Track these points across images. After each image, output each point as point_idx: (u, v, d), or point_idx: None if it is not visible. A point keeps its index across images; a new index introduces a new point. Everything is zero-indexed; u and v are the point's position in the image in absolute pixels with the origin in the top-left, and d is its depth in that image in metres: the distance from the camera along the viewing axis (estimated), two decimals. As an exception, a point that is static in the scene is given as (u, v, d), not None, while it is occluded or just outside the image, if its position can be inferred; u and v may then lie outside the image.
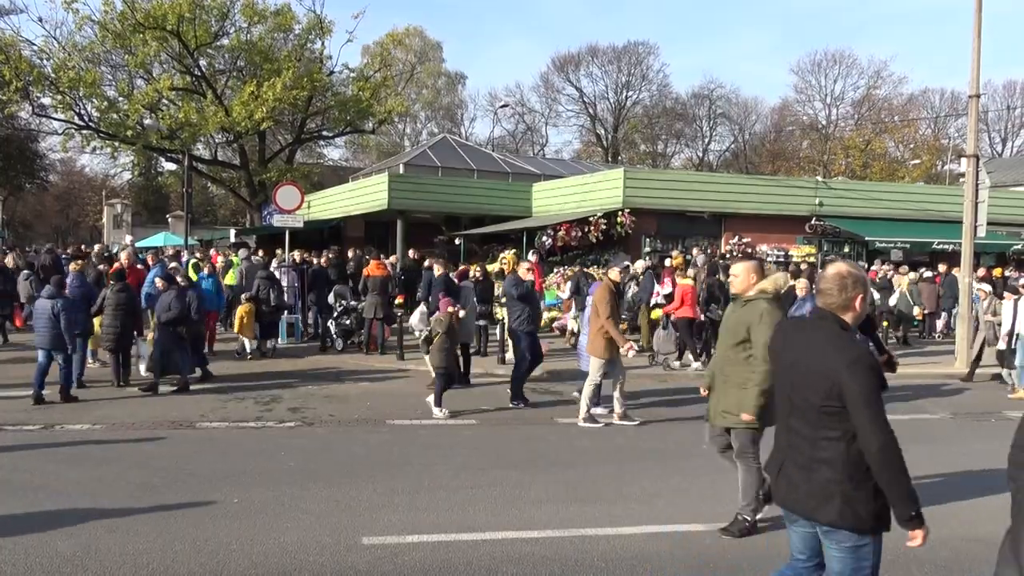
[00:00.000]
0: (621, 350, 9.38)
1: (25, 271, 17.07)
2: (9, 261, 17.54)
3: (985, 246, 21.75)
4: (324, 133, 39.87)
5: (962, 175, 19.03)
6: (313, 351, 14.73)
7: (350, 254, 19.87)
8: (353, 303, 14.94)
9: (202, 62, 33.62)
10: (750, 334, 5.53)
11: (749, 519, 5.70)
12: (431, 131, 64.47)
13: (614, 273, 10.01)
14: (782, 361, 3.52)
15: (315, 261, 17.12)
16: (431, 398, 9.99)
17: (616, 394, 9.58)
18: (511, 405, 10.45)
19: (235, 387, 11.41)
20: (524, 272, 11.52)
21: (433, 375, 10.18)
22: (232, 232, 35.67)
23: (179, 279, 11.87)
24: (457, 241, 25.08)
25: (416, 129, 67.34)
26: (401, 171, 31.09)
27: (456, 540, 5.45)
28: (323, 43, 34.86)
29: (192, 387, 11.17)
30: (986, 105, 53.68)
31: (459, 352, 11.95)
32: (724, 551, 5.39)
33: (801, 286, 11.75)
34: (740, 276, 5.80)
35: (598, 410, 9.78)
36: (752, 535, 5.64)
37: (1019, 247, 23.95)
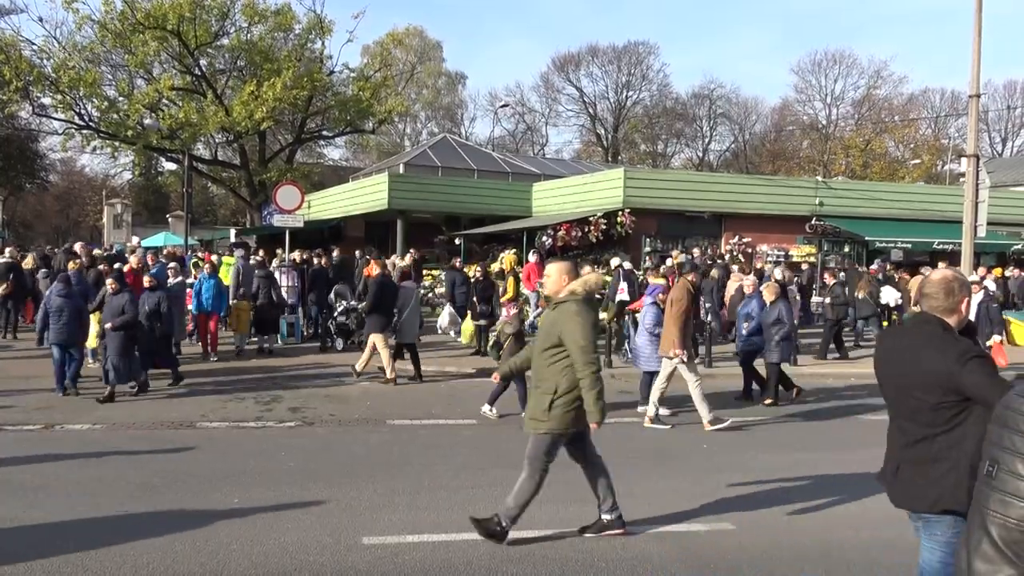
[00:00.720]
0: (672, 353, 9.37)
1: (43, 270, 17.10)
2: (28, 262, 17.63)
3: (985, 246, 21.74)
4: (324, 133, 39.89)
5: (962, 175, 19.05)
6: (313, 351, 14.72)
7: (357, 254, 19.95)
8: (353, 303, 14.94)
9: (202, 62, 33.64)
10: (561, 338, 5.21)
11: (505, 525, 5.41)
12: (431, 131, 64.47)
13: (690, 275, 10.05)
14: (886, 368, 3.60)
15: (315, 261, 17.12)
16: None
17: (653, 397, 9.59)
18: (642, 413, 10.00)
19: (235, 387, 11.41)
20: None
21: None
22: (232, 232, 35.66)
23: (146, 280, 11.69)
24: (457, 241, 25.09)
25: (416, 129, 67.37)
26: (401, 171, 31.11)
27: (456, 540, 5.45)
28: (323, 43, 34.92)
29: (176, 387, 11.18)
30: (986, 105, 53.65)
31: (404, 352, 12.34)
32: (724, 552, 5.38)
33: (749, 284, 11.72)
34: (552, 277, 5.49)
35: (664, 411, 9.72)
36: (501, 541, 5.38)
37: (1019, 247, 23.94)
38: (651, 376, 9.99)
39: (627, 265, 16.89)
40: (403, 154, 43.22)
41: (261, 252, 18.60)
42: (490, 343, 10.32)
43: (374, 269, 14.84)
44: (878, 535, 5.75)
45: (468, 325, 15.48)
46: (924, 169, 57.09)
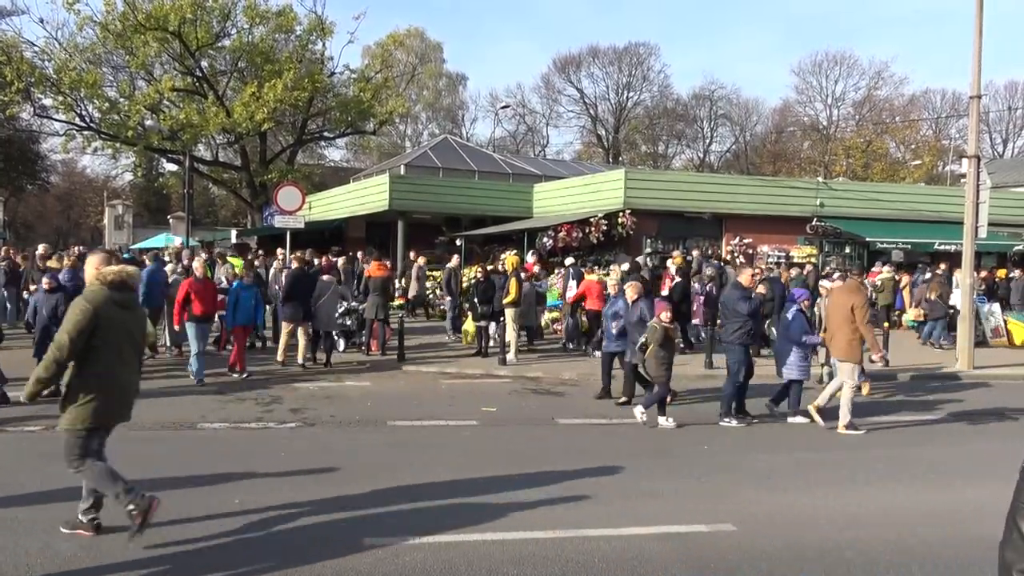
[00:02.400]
0: (875, 357, 9.64)
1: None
2: (53, 262, 17.77)
3: (986, 247, 21.72)
4: (325, 134, 39.93)
5: (963, 176, 19.00)
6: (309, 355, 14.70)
7: (360, 255, 20.01)
8: (354, 304, 14.94)
9: (203, 63, 33.65)
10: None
11: (83, 519, 5.42)
12: (432, 132, 64.52)
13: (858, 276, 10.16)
14: None
15: (315, 262, 17.12)
16: (638, 409, 9.62)
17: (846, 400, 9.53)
18: (723, 423, 9.75)
19: (235, 388, 11.42)
20: (748, 279, 10.64)
21: (653, 385, 9.76)
22: (233, 233, 35.70)
23: (45, 282, 11.70)
24: (458, 242, 25.10)
25: (417, 130, 67.43)
26: (402, 172, 31.11)
27: (457, 541, 5.45)
28: (324, 44, 34.89)
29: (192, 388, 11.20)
30: (987, 106, 53.66)
31: (320, 339, 13.39)
32: (724, 553, 5.38)
33: (611, 283, 11.63)
34: (87, 268, 5.45)
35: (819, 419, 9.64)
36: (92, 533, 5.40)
37: (1020, 248, 23.93)
38: (798, 384, 9.99)
39: (568, 261, 17.24)
40: (404, 155, 43.25)
41: (261, 253, 18.64)
42: (638, 344, 10.02)
43: (375, 270, 14.84)
44: (878, 535, 5.76)
45: (469, 326, 15.48)
46: (925, 170, 57.06)
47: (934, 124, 60.86)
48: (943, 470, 7.72)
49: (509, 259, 16.65)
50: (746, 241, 23.10)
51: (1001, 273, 21.25)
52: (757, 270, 11.51)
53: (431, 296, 20.86)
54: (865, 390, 11.36)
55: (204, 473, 7.06)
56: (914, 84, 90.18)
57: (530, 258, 18.37)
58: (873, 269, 19.72)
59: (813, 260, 22.36)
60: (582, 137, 69.83)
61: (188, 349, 12.26)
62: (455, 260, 18.20)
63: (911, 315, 19.11)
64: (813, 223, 23.38)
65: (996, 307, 18.55)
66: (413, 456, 7.86)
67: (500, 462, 7.65)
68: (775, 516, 6.15)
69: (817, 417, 9.70)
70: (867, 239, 22.67)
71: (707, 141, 68.34)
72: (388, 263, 17.38)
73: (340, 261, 17.83)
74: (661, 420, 9.54)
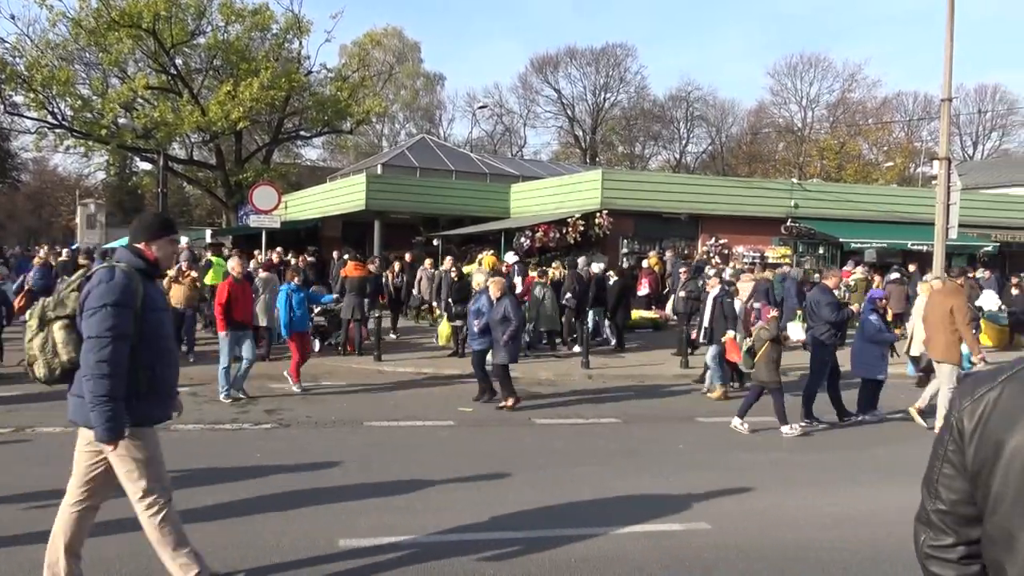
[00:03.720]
0: (975, 358, 9.61)
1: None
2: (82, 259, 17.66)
3: (956, 248, 22.05)
4: (302, 133, 39.67)
5: (934, 177, 19.28)
6: (289, 352, 14.61)
7: (335, 255, 19.93)
8: (330, 303, 14.88)
9: (178, 61, 33.30)
10: None
11: None
12: (409, 132, 64.34)
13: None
14: None
15: (291, 261, 17.05)
16: (735, 421, 9.37)
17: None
18: (802, 424, 9.55)
19: (210, 389, 11.31)
20: (835, 282, 10.56)
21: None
22: (208, 232, 35.36)
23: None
24: (436, 242, 25.06)
25: (394, 130, 67.23)
26: (379, 171, 31.03)
27: (434, 541, 5.45)
28: (301, 43, 34.67)
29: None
30: (958, 109, 54.43)
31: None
32: (699, 551, 5.42)
33: (476, 281, 11.45)
34: None
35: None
36: None
37: (989, 249, 24.31)
38: (874, 384, 10.18)
39: (511, 258, 17.56)
40: (381, 155, 43.10)
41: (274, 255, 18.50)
42: (744, 348, 9.78)
43: (352, 270, 14.78)
44: (853, 535, 5.82)
45: (444, 326, 15.46)
46: (897, 171, 57.79)
47: (906, 126, 61.67)
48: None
49: (486, 259, 16.68)
50: (722, 241, 23.28)
51: (973, 274, 21.54)
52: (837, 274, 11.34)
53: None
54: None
55: (177, 474, 6.99)
56: (887, 87, 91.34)
57: (509, 258, 18.38)
58: (845, 269, 19.92)
59: (787, 260, 22.59)
60: (559, 137, 70.04)
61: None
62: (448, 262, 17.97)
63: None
64: (788, 224, 23.61)
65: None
66: (389, 457, 7.84)
67: (476, 462, 7.66)
68: (750, 515, 6.20)
69: (919, 419, 9.92)
70: (841, 239, 22.94)
71: (683, 142, 68.77)
72: (375, 261, 17.22)
73: (294, 261, 17.78)
74: (786, 429, 9.16)
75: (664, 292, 19.92)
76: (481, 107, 59.20)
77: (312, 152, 61.42)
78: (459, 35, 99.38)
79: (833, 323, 9.74)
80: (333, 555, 5.20)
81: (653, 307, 19.42)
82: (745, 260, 22.44)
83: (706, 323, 11.85)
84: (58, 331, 4.06)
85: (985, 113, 63.61)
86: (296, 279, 11.95)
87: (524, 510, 6.15)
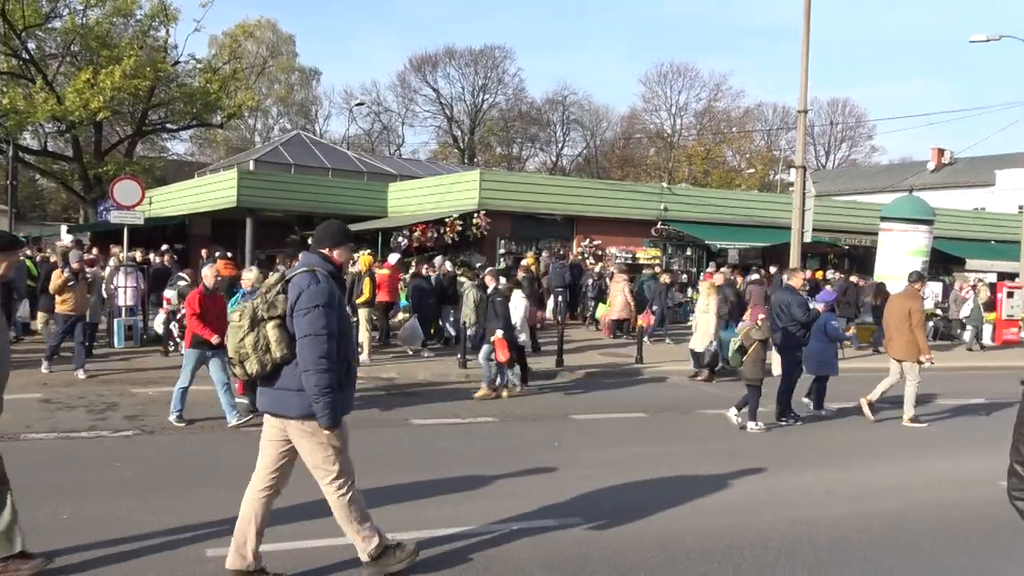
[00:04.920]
0: (923, 357, 10.31)
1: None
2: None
3: (810, 250, 23.49)
4: (168, 126, 38.01)
5: (791, 184, 20.45)
6: (154, 354, 13.98)
7: (204, 254, 19.16)
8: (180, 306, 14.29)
9: (31, 45, 31.22)
10: None
11: None
12: (283, 127, 62.68)
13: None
14: None
15: (156, 260, 16.30)
16: (731, 412, 9.90)
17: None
18: (780, 423, 10.14)
19: (65, 395, 10.67)
20: (799, 282, 10.94)
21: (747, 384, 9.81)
22: (64, 228, 33.34)
23: None
24: (310, 241, 24.55)
25: (267, 125, 65.33)
26: (252, 168, 30.13)
27: (312, 547, 5.34)
28: (168, 31, 33.22)
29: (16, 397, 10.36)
30: (812, 121, 57.97)
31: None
32: (572, 546, 5.55)
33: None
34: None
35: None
36: None
37: (841, 247, 26.04)
38: (823, 381, 10.80)
39: (393, 258, 17.35)
40: (253, 150, 41.79)
41: (95, 250, 17.51)
42: (733, 348, 10.01)
43: (224, 269, 14.26)
44: (714, 523, 6.12)
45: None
46: (758, 178, 61.02)
47: (766, 135, 65.22)
48: (778, 458, 8.27)
49: (363, 259, 16.46)
50: (596, 242, 23.91)
51: (819, 275, 22.98)
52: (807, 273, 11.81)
53: None
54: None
55: (29, 485, 6.56)
56: (749, 97, 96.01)
57: (391, 259, 18.16)
58: (708, 270, 20.86)
59: (657, 262, 23.43)
60: (438, 137, 69.89)
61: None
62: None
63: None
64: (658, 226, 24.52)
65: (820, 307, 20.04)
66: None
67: (355, 465, 7.56)
68: (622, 509, 6.40)
69: (868, 412, 10.54)
70: (707, 241, 24.02)
71: (559, 145, 70.06)
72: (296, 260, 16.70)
73: (157, 260, 17.04)
74: (752, 426, 9.65)
75: (540, 292, 20.25)
76: (358, 104, 58.31)
77: (179, 146, 58.84)
78: (335, 30, 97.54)
79: (804, 323, 10.18)
80: (200, 566, 5.03)
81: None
82: (618, 260, 23.12)
83: (464, 319, 12.74)
84: (271, 330, 4.46)
85: (836, 125, 68.08)
86: (257, 283, 11.23)
87: (403, 511, 6.12)
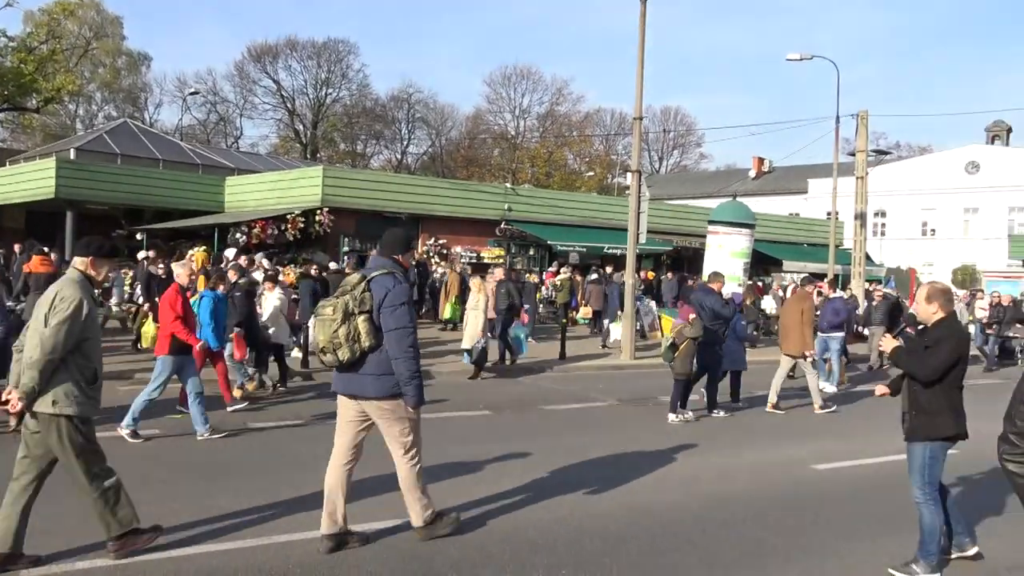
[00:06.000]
0: (808, 351, 11.71)
1: None
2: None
3: (645, 251, 24.64)
4: (-27, 108, 34.72)
5: (628, 188, 21.36)
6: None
7: (16, 248, 17.66)
8: (10, 303, 13.19)
9: None
10: None
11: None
12: (109, 115, 58.70)
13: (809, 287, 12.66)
14: None
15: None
16: (671, 415, 10.43)
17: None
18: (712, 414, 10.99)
19: None
20: (718, 285, 11.43)
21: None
22: None
23: None
24: (139, 236, 23.17)
25: (90, 111, 60.96)
26: (72, 156, 28.10)
27: (135, 561, 5.08)
28: (-28, 4, 30.35)
29: None
30: (647, 127, 60.79)
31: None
32: (425, 545, 5.60)
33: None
34: None
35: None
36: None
37: (676, 245, 27.47)
38: (737, 376, 11.72)
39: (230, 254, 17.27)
40: (75, 138, 38.87)
41: None
42: (665, 345, 10.41)
43: (38, 266, 13.25)
44: (556, 515, 6.34)
45: (150, 327, 14.36)
46: (597, 181, 63.32)
47: (604, 140, 67.75)
48: (603, 451, 8.64)
49: (198, 255, 15.80)
50: (441, 241, 24.02)
51: (650, 275, 24.17)
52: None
53: None
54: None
55: None
56: (589, 103, 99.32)
57: (229, 253, 17.49)
58: (550, 270, 21.46)
59: (501, 261, 23.84)
60: (279, 131, 67.70)
61: None
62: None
63: (583, 312, 21.16)
64: (502, 226, 24.94)
65: (653, 304, 21.11)
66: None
67: (193, 472, 7.28)
68: (466, 506, 6.51)
69: (776, 411, 11.40)
70: (549, 242, 24.68)
71: (405, 143, 69.72)
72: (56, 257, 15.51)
73: None
74: (673, 417, 10.41)
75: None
76: (193, 93, 55.46)
77: (-13, 131, 53.81)
78: (166, 13, 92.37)
79: (727, 317, 11.00)
80: (18, 583, 4.69)
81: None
82: (463, 260, 23.34)
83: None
84: (362, 323, 5.14)
85: (669, 132, 71.72)
86: (223, 286, 10.59)
87: (246, 518, 5.95)
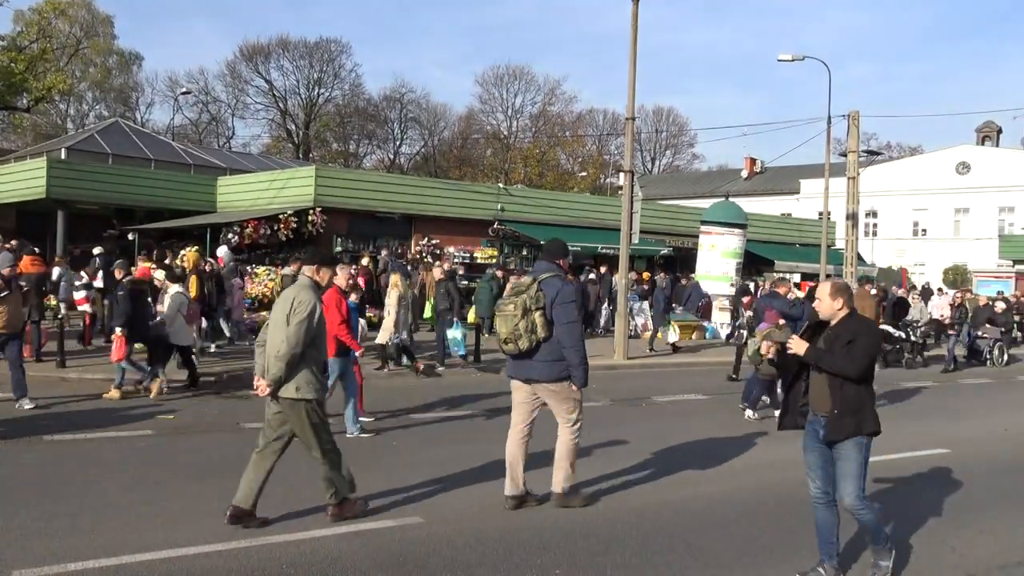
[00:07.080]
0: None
1: None
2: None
3: (638, 251, 24.64)
4: (-37, 107, 34.52)
5: (620, 188, 21.37)
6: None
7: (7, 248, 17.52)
8: None
9: None
10: None
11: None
12: (100, 114, 58.40)
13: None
14: None
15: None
16: (748, 412, 10.93)
17: None
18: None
19: None
20: (785, 289, 11.63)
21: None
22: None
23: None
24: (131, 236, 23.07)
25: (82, 111, 60.65)
26: (63, 156, 27.97)
27: (128, 563, 5.05)
28: (-39, 3, 30.18)
29: None
30: (640, 127, 60.89)
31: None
32: (412, 546, 5.57)
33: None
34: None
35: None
36: None
37: (665, 252, 27.48)
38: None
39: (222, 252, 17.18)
40: (66, 137, 38.69)
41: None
42: (754, 347, 10.40)
43: (28, 266, 13.16)
44: (550, 515, 6.33)
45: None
46: (590, 181, 63.33)
47: (597, 140, 67.79)
48: (596, 452, 8.63)
49: (189, 255, 15.71)
50: (434, 241, 23.96)
51: (646, 275, 24.17)
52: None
53: None
54: None
55: None
56: (582, 103, 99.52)
57: (221, 252, 17.37)
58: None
59: (494, 261, 23.82)
60: (271, 131, 67.51)
61: None
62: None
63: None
64: (495, 226, 24.90)
65: (645, 305, 21.08)
66: (75, 473, 7.11)
67: (181, 473, 7.23)
68: (461, 506, 6.50)
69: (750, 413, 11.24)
70: (542, 242, 24.61)
71: (397, 143, 69.55)
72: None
73: None
74: (750, 413, 10.94)
75: (376, 290, 20.04)
76: (184, 93, 55.23)
77: (-23, 130, 53.52)
78: (158, 13, 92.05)
79: (796, 317, 10.86)
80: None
81: (367, 306, 19.45)
82: (456, 260, 23.29)
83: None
84: (539, 317, 6.07)
85: (661, 132, 71.85)
86: (355, 294, 10.49)
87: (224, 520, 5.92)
